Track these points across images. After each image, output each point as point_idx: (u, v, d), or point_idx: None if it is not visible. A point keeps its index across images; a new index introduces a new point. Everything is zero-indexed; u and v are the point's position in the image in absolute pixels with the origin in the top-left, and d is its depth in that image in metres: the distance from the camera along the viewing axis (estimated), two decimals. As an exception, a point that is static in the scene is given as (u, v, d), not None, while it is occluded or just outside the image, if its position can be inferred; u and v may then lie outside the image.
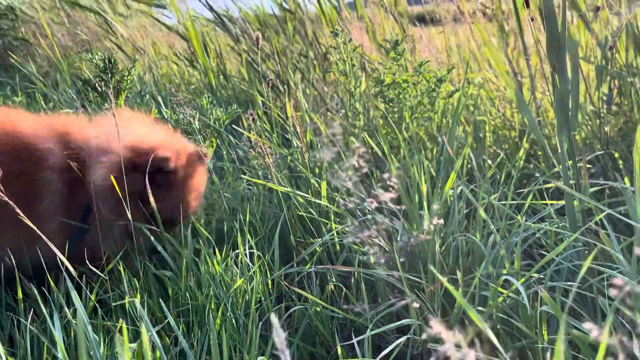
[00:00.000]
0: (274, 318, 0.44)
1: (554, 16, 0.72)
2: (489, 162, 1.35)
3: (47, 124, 1.06)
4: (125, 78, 1.23)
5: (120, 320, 0.75)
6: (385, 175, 0.59)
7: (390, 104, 1.40)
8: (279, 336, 0.42)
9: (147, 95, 1.57)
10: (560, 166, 0.81)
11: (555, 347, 0.40)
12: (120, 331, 0.77)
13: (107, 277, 0.96)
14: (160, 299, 0.88)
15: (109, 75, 1.18)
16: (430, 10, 2.47)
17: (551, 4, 0.71)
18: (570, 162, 0.83)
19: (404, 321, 0.76)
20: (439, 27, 2.41)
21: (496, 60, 1.34)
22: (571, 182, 0.83)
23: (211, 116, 1.32)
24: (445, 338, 0.34)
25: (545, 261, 0.77)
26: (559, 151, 0.81)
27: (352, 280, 1.01)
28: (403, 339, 0.75)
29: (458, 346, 0.44)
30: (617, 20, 1.34)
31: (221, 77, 1.98)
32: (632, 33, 1.23)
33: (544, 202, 1.02)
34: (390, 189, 0.57)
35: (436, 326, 0.34)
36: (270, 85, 1.43)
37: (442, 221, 0.77)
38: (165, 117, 1.39)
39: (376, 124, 1.29)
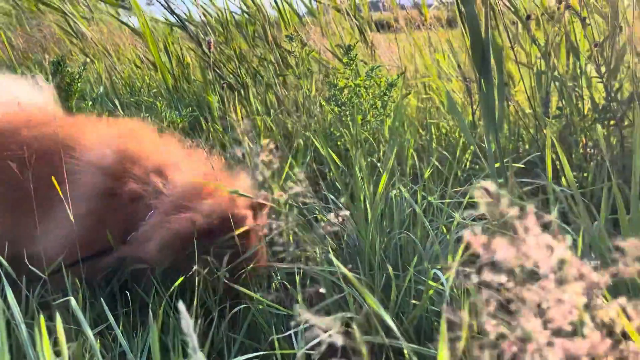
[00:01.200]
0: (181, 305, 0.46)
1: (476, 22, 0.76)
2: (437, 163, 1.40)
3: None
4: (75, 81, 1.24)
5: (59, 318, 0.76)
6: (296, 170, 0.62)
7: (343, 107, 1.44)
8: (186, 320, 0.45)
9: (101, 98, 1.57)
10: (488, 166, 0.85)
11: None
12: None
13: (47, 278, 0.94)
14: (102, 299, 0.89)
15: (58, 77, 1.18)
16: (390, 17, 2.52)
17: (473, 11, 0.75)
18: (498, 163, 0.87)
19: (338, 315, 0.79)
20: (400, 33, 2.46)
21: (428, 66, 1.39)
22: (500, 180, 0.87)
23: (165, 120, 1.33)
24: (314, 323, 0.37)
25: (468, 255, 0.81)
26: (487, 152, 0.86)
27: (298, 278, 1.03)
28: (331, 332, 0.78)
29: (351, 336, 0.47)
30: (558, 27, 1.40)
31: (184, 80, 1.99)
32: (569, 39, 1.29)
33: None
34: (299, 182, 0.60)
35: (304, 313, 0.37)
36: (224, 88, 1.45)
37: (347, 212, 0.80)
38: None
39: (327, 127, 1.33)
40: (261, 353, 0.77)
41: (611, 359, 0.31)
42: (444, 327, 0.39)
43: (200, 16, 2.21)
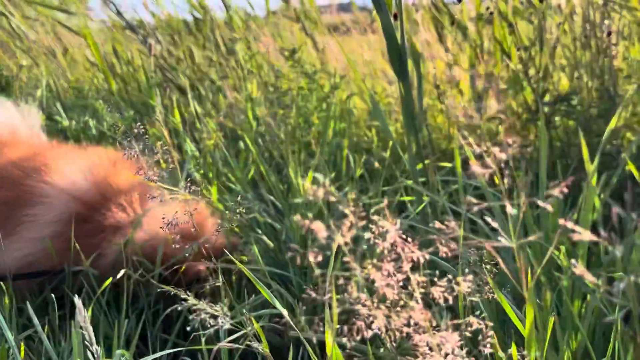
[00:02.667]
0: (77, 300, 0.47)
1: (391, 28, 0.80)
2: (377, 164, 1.43)
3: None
4: (10, 84, 1.22)
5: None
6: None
7: (285, 110, 1.46)
8: (81, 314, 0.46)
9: (45, 101, 1.55)
10: (409, 166, 0.89)
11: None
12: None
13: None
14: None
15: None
16: (343, 21, 2.55)
17: (387, 17, 0.78)
18: (420, 164, 0.91)
19: (265, 311, 0.81)
20: (351, 36, 2.49)
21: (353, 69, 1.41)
22: (421, 179, 0.91)
23: (105, 122, 1.33)
24: (201, 308, 0.39)
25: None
26: (409, 152, 0.89)
27: (234, 278, 1.05)
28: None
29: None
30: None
31: (133, 83, 1.98)
32: (498, 40, 1.35)
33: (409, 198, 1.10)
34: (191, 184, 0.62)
35: (191, 300, 0.39)
36: (167, 91, 1.45)
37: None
38: (61, 123, 1.38)
39: (268, 130, 1.34)
40: (182, 348, 0.78)
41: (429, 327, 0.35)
42: (327, 314, 0.42)
43: (150, 19, 2.19)
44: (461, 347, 0.37)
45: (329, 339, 0.44)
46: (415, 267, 0.37)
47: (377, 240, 0.36)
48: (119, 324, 0.85)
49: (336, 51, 2.24)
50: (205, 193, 1.20)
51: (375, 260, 0.37)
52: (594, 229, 0.95)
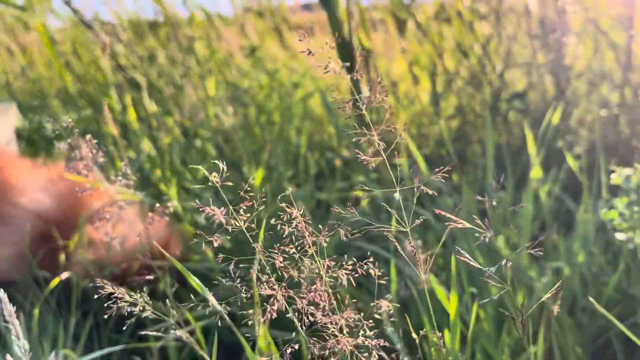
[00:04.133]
0: (1, 293, 0.47)
1: (339, 25, 0.80)
2: (337, 162, 1.44)
3: None
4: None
5: None
6: (123, 163, 0.64)
7: (244, 108, 1.46)
8: (6, 308, 0.45)
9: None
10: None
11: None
12: None
13: None
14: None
15: None
16: (306, 20, 2.55)
17: (334, 14, 0.79)
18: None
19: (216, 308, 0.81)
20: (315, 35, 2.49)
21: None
22: (374, 175, 0.92)
23: (62, 121, 1.30)
24: (119, 296, 0.39)
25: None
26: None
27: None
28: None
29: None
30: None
31: (92, 82, 1.94)
32: (457, 40, 1.37)
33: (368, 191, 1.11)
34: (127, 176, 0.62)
35: (108, 287, 0.39)
36: (123, 89, 1.44)
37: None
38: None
39: (226, 128, 1.34)
40: (125, 346, 0.78)
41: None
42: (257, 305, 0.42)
43: (112, 17, 2.15)
44: (371, 329, 0.38)
45: (260, 331, 0.44)
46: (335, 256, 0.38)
47: (284, 227, 0.37)
48: (66, 324, 0.84)
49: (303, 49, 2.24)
50: (164, 190, 1.19)
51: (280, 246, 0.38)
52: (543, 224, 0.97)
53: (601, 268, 0.81)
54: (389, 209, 0.38)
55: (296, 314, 0.37)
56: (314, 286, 0.37)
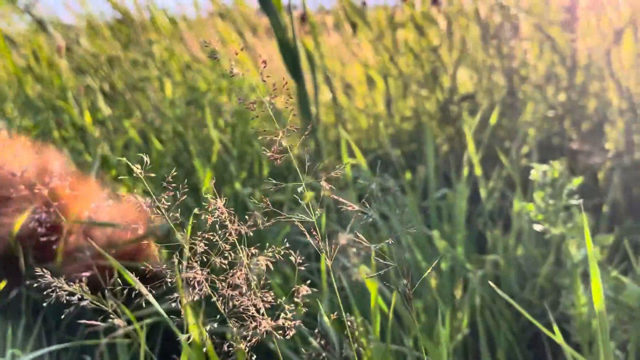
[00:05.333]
0: None
1: (283, 31, 0.83)
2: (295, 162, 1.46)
3: None
4: None
5: None
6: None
7: (202, 110, 1.47)
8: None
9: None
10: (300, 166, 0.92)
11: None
12: None
13: None
14: None
15: None
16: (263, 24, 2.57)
17: (277, 20, 0.81)
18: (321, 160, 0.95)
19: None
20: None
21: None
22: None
23: (17, 125, 1.30)
24: (59, 286, 0.41)
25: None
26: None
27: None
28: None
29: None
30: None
31: (51, 85, 1.93)
32: (408, 44, 1.41)
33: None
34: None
35: (47, 277, 0.41)
36: (80, 93, 1.44)
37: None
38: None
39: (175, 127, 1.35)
40: (71, 344, 0.79)
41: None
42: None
43: (71, 19, 2.14)
44: (290, 311, 0.40)
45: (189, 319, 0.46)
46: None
47: (207, 216, 0.40)
48: (14, 326, 0.84)
49: (264, 53, 2.27)
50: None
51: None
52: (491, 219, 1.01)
53: (534, 260, 0.85)
54: (300, 200, 0.40)
55: (221, 298, 0.40)
56: (234, 270, 0.39)
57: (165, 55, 1.53)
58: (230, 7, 2.22)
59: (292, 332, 0.40)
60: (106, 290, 0.45)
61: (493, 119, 1.00)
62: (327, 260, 0.40)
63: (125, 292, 0.50)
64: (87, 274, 0.65)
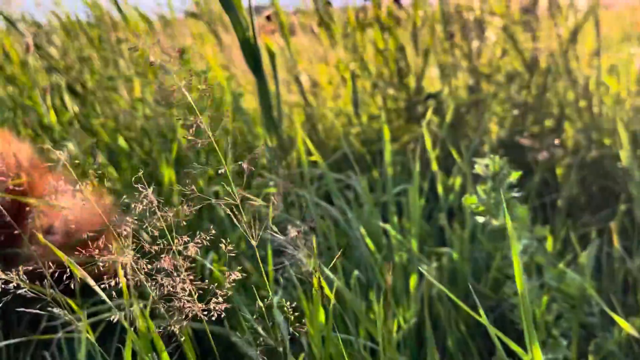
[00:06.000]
0: None
1: (242, 28, 0.84)
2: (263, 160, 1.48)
3: None
4: None
5: None
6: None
7: (171, 109, 1.48)
8: None
9: None
10: (273, 160, 0.94)
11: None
12: None
13: None
14: None
15: None
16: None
17: (237, 17, 0.83)
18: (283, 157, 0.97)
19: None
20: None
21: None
22: (282, 170, 0.96)
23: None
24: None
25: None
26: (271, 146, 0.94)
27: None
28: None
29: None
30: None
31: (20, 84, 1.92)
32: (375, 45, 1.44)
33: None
34: None
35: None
36: (46, 91, 1.44)
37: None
38: None
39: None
40: (24, 338, 0.79)
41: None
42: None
43: (43, 18, 2.12)
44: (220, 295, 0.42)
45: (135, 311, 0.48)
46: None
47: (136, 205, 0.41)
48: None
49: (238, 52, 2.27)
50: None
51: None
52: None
53: (488, 253, 0.88)
54: (220, 199, 0.42)
55: (154, 283, 0.41)
56: (163, 256, 0.41)
57: (138, 53, 1.53)
58: (205, 7, 2.22)
59: (215, 314, 0.42)
60: (46, 280, 0.46)
61: (448, 117, 1.03)
62: (253, 241, 0.41)
63: (74, 283, 0.51)
64: (30, 267, 0.66)
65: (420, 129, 1.48)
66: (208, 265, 0.75)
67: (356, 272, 0.68)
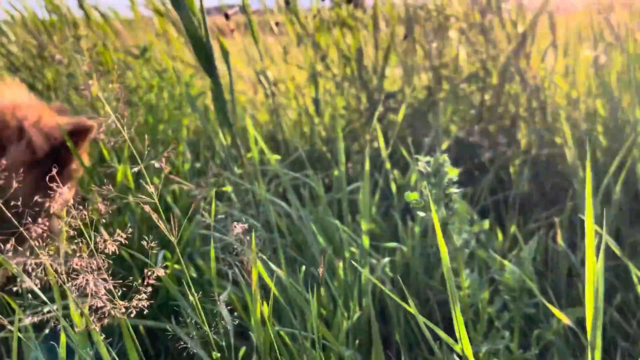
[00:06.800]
0: None
1: (193, 26, 0.85)
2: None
3: None
4: None
5: None
6: None
7: (135, 107, 1.47)
8: None
9: None
10: (226, 156, 0.95)
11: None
12: None
13: None
14: None
15: None
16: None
17: (188, 16, 0.83)
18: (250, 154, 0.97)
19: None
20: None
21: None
22: (237, 170, 0.97)
23: None
24: None
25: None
26: (224, 143, 0.95)
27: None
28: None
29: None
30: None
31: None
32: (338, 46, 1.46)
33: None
34: None
35: None
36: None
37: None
38: None
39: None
40: None
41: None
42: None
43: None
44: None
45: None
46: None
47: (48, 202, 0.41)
48: None
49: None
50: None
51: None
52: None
53: (437, 246, 0.90)
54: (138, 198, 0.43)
55: (72, 281, 0.42)
56: (78, 253, 0.41)
57: (98, 50, 1.51)
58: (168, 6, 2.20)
59: (134, 311, 0.43)
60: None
61: (400, 116, 1.05)
62: (172, 238, 0.42)
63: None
64: None
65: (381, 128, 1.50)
66: (161, 264, 0.75)
67: (303, 267, 0.69)
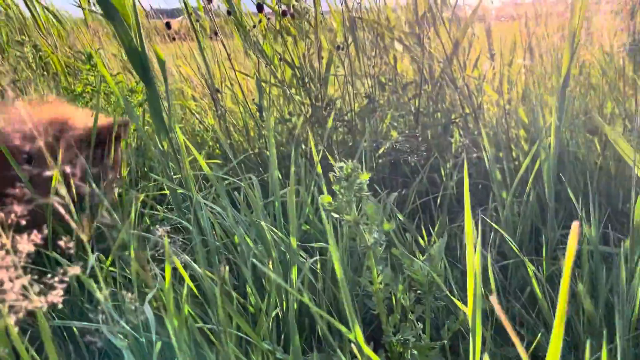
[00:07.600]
0: None
1: (128, 35, 0.88)
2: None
3: None
4: None
5: None
6: None
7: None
8: None
9: None
10: (168, 162, 0.98)
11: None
12: None
13: None
14: None
15: None
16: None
17: (122, 25, 0.87)
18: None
19: None
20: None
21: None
22: (175, 176, 1.01)
23: None
24: None
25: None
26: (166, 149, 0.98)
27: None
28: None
29: None
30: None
31: None
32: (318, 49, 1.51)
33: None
34: None
35: None
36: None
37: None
38: None
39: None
40: None
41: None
42: None
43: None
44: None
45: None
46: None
47: None
48: None
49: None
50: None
51: None
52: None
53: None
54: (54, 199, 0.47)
55: None
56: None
57: (46, 54, 1.52)
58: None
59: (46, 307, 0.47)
60: None
61: (330, 122, 1.11)
62: (84, 236, 0.46)
63: None
64: None
65: (323, 132, 1.56)
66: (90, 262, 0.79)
67: (227, 267, 0.74)
